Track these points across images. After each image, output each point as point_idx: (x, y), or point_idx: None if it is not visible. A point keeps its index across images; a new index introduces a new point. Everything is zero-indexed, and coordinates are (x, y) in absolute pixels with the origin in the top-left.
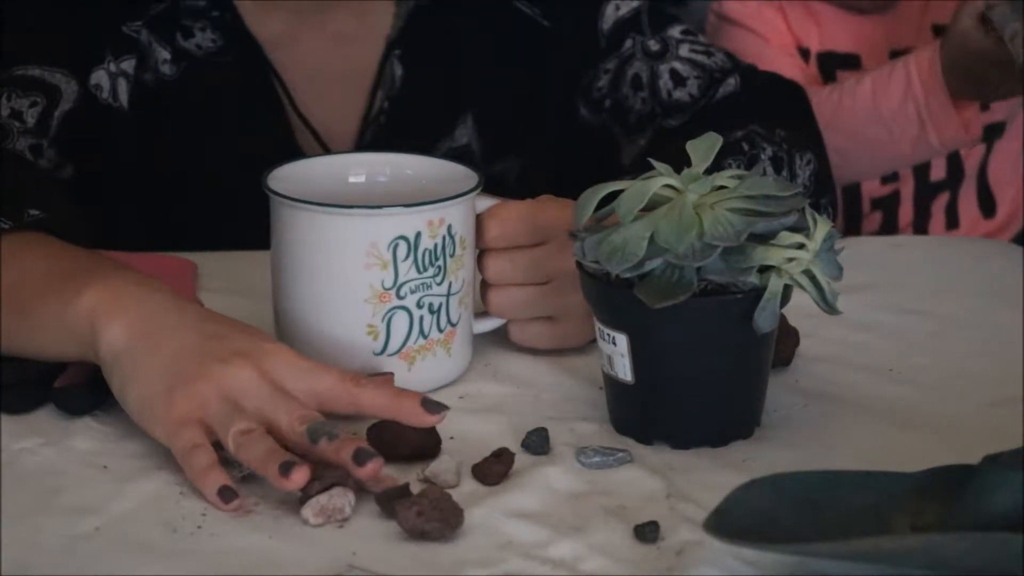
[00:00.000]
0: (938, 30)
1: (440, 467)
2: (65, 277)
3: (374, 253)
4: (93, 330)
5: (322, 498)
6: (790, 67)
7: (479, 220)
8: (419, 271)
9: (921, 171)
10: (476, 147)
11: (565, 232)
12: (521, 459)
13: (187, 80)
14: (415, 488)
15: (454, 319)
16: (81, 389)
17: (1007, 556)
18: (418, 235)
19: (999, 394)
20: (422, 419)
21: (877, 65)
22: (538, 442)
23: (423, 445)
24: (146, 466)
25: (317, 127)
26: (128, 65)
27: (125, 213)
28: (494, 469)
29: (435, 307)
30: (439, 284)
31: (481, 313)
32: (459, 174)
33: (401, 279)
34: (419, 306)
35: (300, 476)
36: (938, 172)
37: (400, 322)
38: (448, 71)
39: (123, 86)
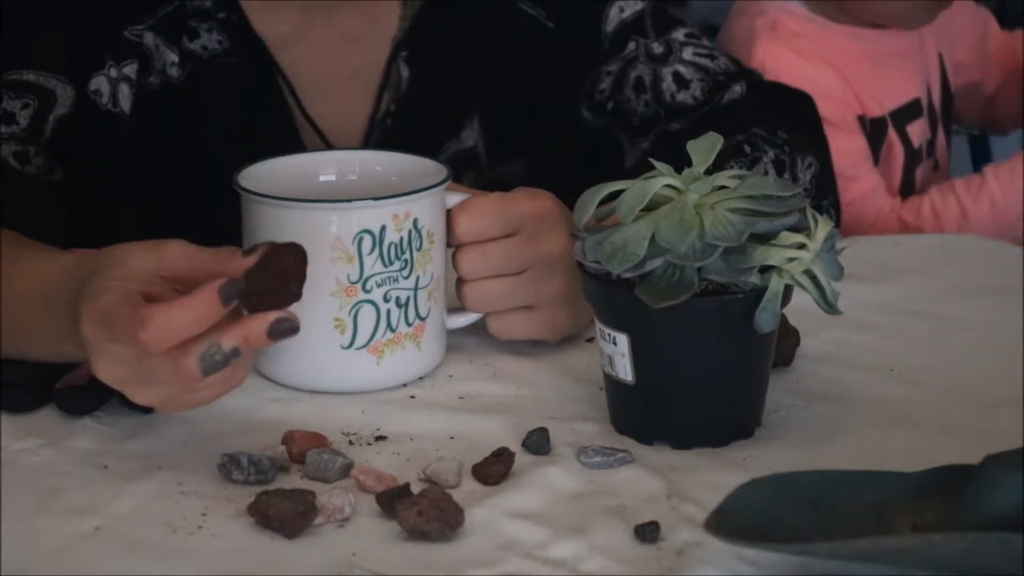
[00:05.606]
0: None
1: (441, 467)
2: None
3: (339, 247)
4: None
5: (322, 498)
6: (855, 145)
7: (449, 216)
8: (385, 265)
9: None
10: (482, 149)
11: (536, 221)
12: (521, 459)
13: (193, 82)
14: (415, 488)
15: (423, 313)
16: (81, 389)
17: (1007, 556)
18: (383, 228)
19: (999, 394)
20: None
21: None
22: (539, 442)
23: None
24: (146, 466)
25: (323, 128)
26: (130, 70)
27: (127, 215)
28: (494, 469)
29: (403, 301)
30: (406, 278)
31: (456, 308)
32: (429, 169)
33: (367, 273)
34: (386, 300)
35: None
36: None
37: (367, 316)
38: (454, 73)
39: (124, 91)
